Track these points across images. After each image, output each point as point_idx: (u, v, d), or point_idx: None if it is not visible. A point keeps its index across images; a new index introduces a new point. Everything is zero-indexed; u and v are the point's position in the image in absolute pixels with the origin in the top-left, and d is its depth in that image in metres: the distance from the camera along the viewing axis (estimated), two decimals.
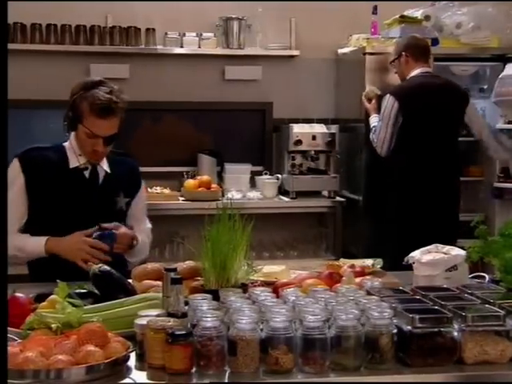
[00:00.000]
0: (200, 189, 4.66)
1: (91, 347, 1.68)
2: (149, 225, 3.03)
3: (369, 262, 2.65)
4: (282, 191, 4.86)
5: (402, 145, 4.09)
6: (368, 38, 4.70)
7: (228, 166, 4.87)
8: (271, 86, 5.09)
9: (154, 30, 4.89)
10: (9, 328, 1.89)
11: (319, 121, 4.99)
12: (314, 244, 4.88)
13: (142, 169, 4.82)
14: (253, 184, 4.89)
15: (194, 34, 4.91)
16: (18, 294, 2.02)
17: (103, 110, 2.70)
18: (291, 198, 4.76)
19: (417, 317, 1.77)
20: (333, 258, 4.32)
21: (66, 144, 2.84)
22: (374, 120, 4.32)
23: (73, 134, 2.80)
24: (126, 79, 4.90)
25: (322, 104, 5.14)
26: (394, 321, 1.80)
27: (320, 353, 1.72)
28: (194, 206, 4.58)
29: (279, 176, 4.86)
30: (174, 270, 1.94)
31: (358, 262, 2.61)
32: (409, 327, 1.76)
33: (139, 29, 4.86)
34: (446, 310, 1.85)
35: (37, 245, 2.69)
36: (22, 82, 4.77)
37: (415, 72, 4.16)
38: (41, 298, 2.05)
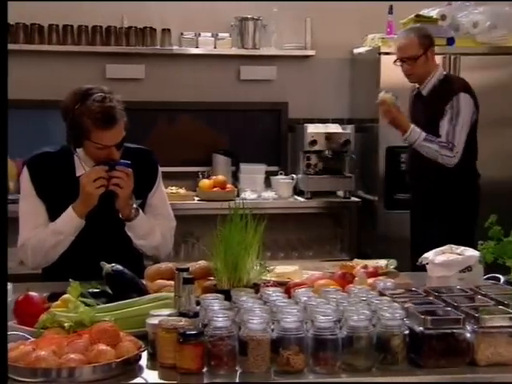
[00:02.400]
0: (215, 189, 4.66)
1: (103, 346, 1.69)
2: (172, 223, 2.94)
3: (382, 262, 2.64)
4: (297, 191, 4.86)
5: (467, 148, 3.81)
6: (383, 38, 4.68)
7: (243, 166, 4.87)
8: (286, 86, 5.09)
9: (169, 30, 4.90)
10: (22, 327, 1.92)
11: (334, 121, 4.98)
12: (328, 244, 4.87)
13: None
14: (268, 184, 4.89)
15: (210, 35, 4.91)
16: (32, 293, 2.03)
17: (106, 122, 2.61)
18: (306, 198, 4.76)
19: (429, 318, 1.76)
20: (348, 258, 4.31)
21: (75, 152, 2.80)
22: (422, 135, 3.76)
23: None
24: (141, 79, 4.94)
25: (338, 104, 5.13)
26: (406, 322, 1.79)
27: (331, 353, 1.72)
28: (209, 206, 4.58)
29: (294, 176, 4.86)
30: (187, 269, 1.95)
31: (372, 263, 2.60)
32: (421, 328, 1.76)
33: (155, 29, 4.87)
34: (459, 311, 1.84)
35: (68, 217, 2.66)
36: (39, 83, 4.81)
37: (441, 69, 3.99)
38: (54, 297, 2.06)
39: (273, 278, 2.38)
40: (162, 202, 2.95)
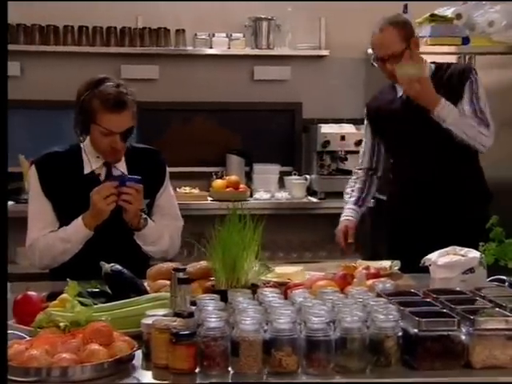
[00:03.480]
0: (228, 189, 4.66)
1: (95, 346, 1.70)
2: (180, 223, 2.96)
3: (386, 263, 2.63)
4: (311, 192, 4.85)
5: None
6: None
7: (257, 167, 4.87)
8: (300, 86, 5.08)
9: (183, 30, 4.91)
10: (19, 326, 1.94)
11: (349, 121, 4.95)
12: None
13: (172, 169, 4.88)
14: (281, 184, 4.88)
15: (224, 35, 4.92)
16: (31, 293, 2.04)
17: (115, 105, 2.67)
18: (319, 199, 4.74)
19: (423, 320, 1.74)
20: (361, 258, 4.29)
21: (82, 145, 2.83)
22: (455, 109, 3.06)
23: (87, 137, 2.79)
24: (155, 80, 4.95)
25: (352, 104, 5.09)
26: (401, 323, 1.78)
27: (324, 355, 1.71)
28: (222, 206, 4.58)
29: (307, 176, 4.85)
30: (183, 270, 1.95)
31: (375, 264, 2.59)
32: (415, 330, 1.74)
33: (169, 30, 4.89)
34: (455, 313, 1.82)
35: (77, 227, 2.68)
36: (54, 84, 4.84)
37: (427, 61, 3.29)
38: (53, 296, 2.07)
39: (274, 279, 2.38)
40: (170, 203, 2.96)
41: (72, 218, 2.71)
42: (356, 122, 4.95)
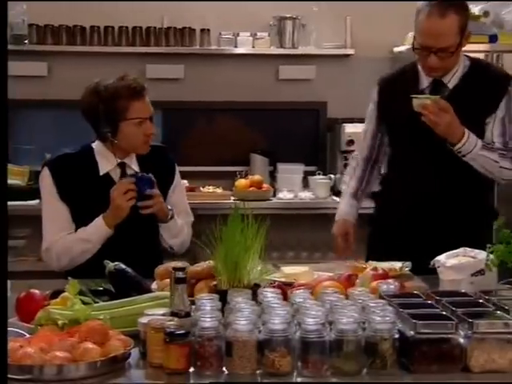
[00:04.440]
0: (251, 188, 4.66)
1: (89, 344, 1.71)
2: (191, 218, 2.99)
3: (397, 264, 2.59)
4: (335, 191, 4.81)
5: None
6: None
7: (280, 166, 4.85)
8: (325, 86, 5.05)
9: (208, 30, 4.92)
10: (21, 323, 1.95)
11: None
12: (366, 244, 4.80)
13: (196, 168, 4.97)
14: (305, 184, 4.86)
15: (248, 34, 4.91)
16: (34, 291, 2.07)
17: (140, 91, 2.74)
18: None
19: (419, 322, 1.72)
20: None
21: (94, 145, 2.85)
22: (479, 142, 2.77)
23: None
24: (180, 79, 4.97)
25: None
26: (399, 326, 1.76)
27: (319, 356, 1.70)
28: (244, 206, 4.58)
29: (332, 176, 4.82)
30: (183, 269, 1.94)
31: (386, 265, 2.55)
32: (411, 332, 1.72)
33: (194, 29, 4.90)
34: (455, 315, 1.79)
35: (98, 226, 2.70)
36: (81, 83, 4.85)
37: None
38: (57, 294, 2.08)
39: (282, 279, 2.37)
40: (182, 199, 2.99)
41: (88, 220, 2.73)
42: None
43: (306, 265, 2.76)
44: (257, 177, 4.71)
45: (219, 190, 4.72)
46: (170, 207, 2.81)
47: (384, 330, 1.71)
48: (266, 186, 4.71)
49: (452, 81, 2.85)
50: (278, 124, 5.06)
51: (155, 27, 4.87)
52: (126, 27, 4.86)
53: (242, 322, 1.71)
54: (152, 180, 2.73)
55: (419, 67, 2.89)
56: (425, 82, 2.88)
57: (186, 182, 4.70)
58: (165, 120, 4.99)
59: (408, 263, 2.59)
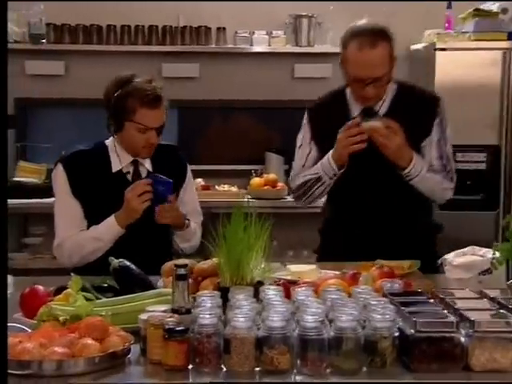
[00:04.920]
0: (266, 187, 4.66)
1: (88, 340, 1.71)
2: (201, 217, 2.99)
3: (406, 263, 2.57)
4: None
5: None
6: (439, 33, 4.56)
7: None
8: (341, 84, 5.00)
9: (224, 29, 4.92)
10: (24, 319, 1.97)
11: None
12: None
13: (211, 167, 4.97)
14: None
15: (264, 33, 4.91)
16: (38, 286, 2.07)
17: (154, 100, 2.70)
18: None
19: (420, 320, 1.70)
20: None
21: (108, 142, 2.86)
22: (425, 164, 2.77)
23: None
24: (196, 78, 4.98)
25: None
26: (400, 324, 1.74)
27: (317, 354, 1.68)
28: (259, 205, 4.58)
29: None
30: (185, 266, 1.94)
31: (395, 263, 2.54)
32: (411, 331, 1.70)
33: (210, 28, 4.91)
34: (457, 314, 1.77)
35: (109, 226, 2.71)
36: (97, 82, 4.87)
37: None
38: (61, 290, 2.09)
39: (287, 277, 2.36)
40: (193, 198, 2.99)
41: (100, 217, 2.74)
42: None
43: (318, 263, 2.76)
44: (271, 175, 4.70)
45: (234, 189, 4.72)
46: (188, 217, 2.82)
47: (384, 328, 1.69)
48: (280, 184, 4.70)
49: (382, 107, 2.81)
50: (294, 122, 5.00)
51: (171, 26, 4.89)
52: (143, 26, 4.89)
53: (240, 319, 1.70)
54: (169, 183, 2.71)
55: (348, 95, 2.87)
56: (355, 109, 2.84)
57: (201, 180, 4.73)
58: (180, 118, 5.01)
59: (417, 261, 2.58)
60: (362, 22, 2.81)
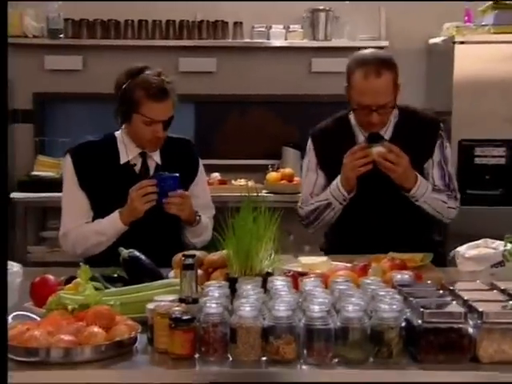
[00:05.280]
0: (282, 181, 4.65)
1: (95, 328, 1.72)
2: (212, 211, 2.97)
3: (419, 256, 2.56)
4: None
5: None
6: (457, 27, 4.51)
7: None
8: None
9: (241, 23, 4.91)
10: (34, 307, 1.98)
11: None
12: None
13: (228, 161, 4.97)
14: None
15: (281, 27, 4.89)
16: (48, 276, 2.09)
17: (159, 93, 2.69)
18: None
19: (427, 311, 1.69)
20: None
21: (117, 134, 2.86)
22: (430, 185, 2.85)
23: (123, 126, 2.83)
24: (213, 73, 4.98)
25: (412, 95, 4.93)
26: (408, 314, 1.73)
27: (323, 344, 1.68)
28: (275, 199, 4.58)
29: None
30: (193, 256, 1.94)
31: (408, 256, 2.52)
32: (419, 321, 1.69)
33: (227, 23, 4.90)
34: (466, 305, 1.76)
35: (113, 221, 2.71)
36: (115, 77, 4.92)
37: None
38: (72, 280, 2.10)
39: (299, 269, 2.35)
40: (204, 192, 2.98)
41: (107, 208, 2.74)
42: None
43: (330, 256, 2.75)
44: (288, 170, 4.69)
45: (250, 183, 4.71)
46: (199, 214, 2.81)
47: (390, 318, 1.68)
48: (297, 179, 4.68)
49: (387, 132, 2.90)
50: (311, 117, 4.99)
51: (188, 21, 4.89)
52: (160, 21, 4.89)
53: (246, 309, 1.70)
54: (175, 177, 2.69)
55: (352, 121, 2.95)
56: (360, 135, 2.92)
57: (217, 174, 4.73)
58: (197, 113, 5.02)
59: (430, 254, 2.57)
60: (367, 51, 2.96)
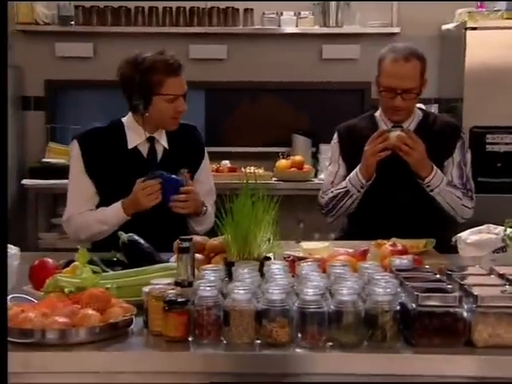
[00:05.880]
0: (292, 169, 4.63)
1: (89, 310, 1.72)
2: (214, 197, 2.98)
3: (422, 242, 2.54)
4: None
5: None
6: (470, 12, 4.47)
7: (323, 147, 4.79)
8: (370, 66, 4.88)
9: (251, 10, 4.90)
10: (32, 290, 1.99)
11: (420, 101, 4.78)
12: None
13: (239, 149, 4.97)
14: None
15: (292, 13, 4.87)
16: (47, 259, 2.10)
17: (178, 68, 2.75)
18: None
19: (421, 295, 1.68)
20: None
21: (125, 120, 2.87)
22: (444, 177, 2.94)
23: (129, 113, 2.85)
24: (223, 60, 4.97)
25: None
26: (403, 298, 1.72)
27: (317, 327, 1.67)
28: (286, 187, 4.58)
29: None
30: (189, 240, 1.94)
31: (410, 242, 2.51)
32: (413, 305, 1.68)
33: (237, 9, 4.88)
34: (463, 290, 1.74)
35: (116, 211, 2.73)
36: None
37: None
38: (71, 263, 2.11)
39: (300, 254, 2.35)
40: (208, 178, 3.00)
41: (114, 193, 2.75)
42: (429, 101, 4.82)
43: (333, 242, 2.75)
44: (298, 157, 4.68)
45: (260, 171, 4.70)
46: (205, 205, 2.81)
47: (384, 301, 1.67)
48: (307, 166, 4.68)
49: (411, 126, 3.02)
50: (321, 104, 5.01)
51: (199, 7, 4.88)
52: (170, 8, 4.89)
53: (240, 292, 1.70)
54: (180, 184, 2.70)
55: (378, 118, 3.07)
56: (385, 128, 3.01)
57: (227, 162, 4.73)
58: (208, 100, 5.02)
59: (432, 240, 2.55)
60: (399, 43, 3.15)
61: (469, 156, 3.06)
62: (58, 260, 2.15)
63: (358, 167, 2.94)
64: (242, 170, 4.71)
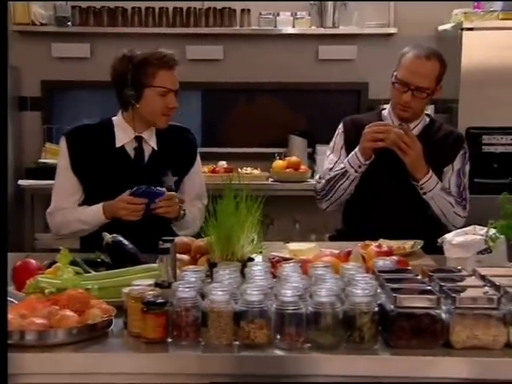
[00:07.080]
0: (288, 170, 4.63)
1: (67, 312, 1.72)
2: (205, 201, 2.96)
3: (409, 243, 2.54)
4: None
5: None
6: (466, 13, 4.46)
7: (320, 148, 4.79)
8: (367, 66, 4.95)
9: (248, 10, 4.89)
10: (14, 291, 1.99)
11: None
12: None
13: (235, 149, 4.97)
14: None
15: (289, 14, 4.87)
16: (29, 260, 2.10)
17: (171, 61, 2.76)
18: None
19: (400, 296, 1.67)
20: None
21: (115, 119, 2.87)
22: (439, 182, 2.95)
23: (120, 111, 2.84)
24: (220, 60, 4.97)
25: None
26: (382, 300, 1.72)
27: (295, 329, 1.67)
28: (282, 187, 4.58)
29: None
30: (171, 240, 1.94)
31: (398, 243, 2.51)
32: (391, 306, 1.67)
33: (234, 10, 4.88)
34: (442, 291, 1.74)
35: (96, 213, 2.73)
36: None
37: None
38: (53, 265, 2.11)
39: (285, 255, 2.34)
40: (199, 181, 2.99)
41: (99, 191, 2.77)
42: None
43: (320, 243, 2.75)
44: (294, 158, 4.67)
45: (256, 171, 4.70)
46: (184, 208, 2.78)
47: (362, 303, 1.67)
48: (303, 167, 4.67)
49: (416, 128, 3.04)
50: (318, 105, 5.01)
51: (195, 8, 4.88)
52: (167, 8, 4.89)
53: (218, 293, 1.69)
54: (155, 193, 2.66)
55: (384, 115, 3.08)
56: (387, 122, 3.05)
57: (224, 163, 4.72)
58: (204, 101, 5.02)
59: (420, 241, 2.54)
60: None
61: (468, 167, 3.07)
62: (40, 260, 2.14)
63: (357, 148, 2.95)
64: (239, 170, 4.70)
